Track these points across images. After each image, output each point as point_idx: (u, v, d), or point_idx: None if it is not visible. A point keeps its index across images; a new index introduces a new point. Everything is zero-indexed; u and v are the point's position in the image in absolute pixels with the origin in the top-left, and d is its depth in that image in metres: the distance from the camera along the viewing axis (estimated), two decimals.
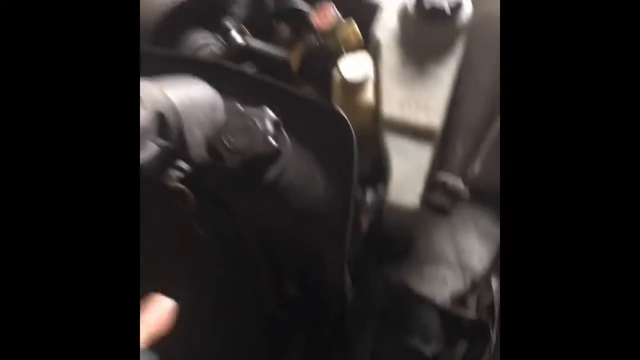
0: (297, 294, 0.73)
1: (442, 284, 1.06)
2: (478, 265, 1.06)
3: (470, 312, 0.87)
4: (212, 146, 0.63)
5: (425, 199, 0.82)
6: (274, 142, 0.63)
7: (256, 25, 0.89)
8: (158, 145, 0.62)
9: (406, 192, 0.68)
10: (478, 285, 0.98)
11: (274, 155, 0.64)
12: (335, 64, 0.77)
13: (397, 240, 1.09)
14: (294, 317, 0.75)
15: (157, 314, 0.52)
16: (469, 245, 1.09)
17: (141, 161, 0.60)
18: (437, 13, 0.73)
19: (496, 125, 0.84)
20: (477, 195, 1.14)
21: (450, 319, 0.88)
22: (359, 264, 0.90)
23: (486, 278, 0.91)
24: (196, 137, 0.68)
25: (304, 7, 0.85)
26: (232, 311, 0.72)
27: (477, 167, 0.83)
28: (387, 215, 0.70)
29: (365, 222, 0.92)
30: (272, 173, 0.66)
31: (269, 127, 0.64)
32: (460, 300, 1.00)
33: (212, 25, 0.90)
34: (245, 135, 0.63)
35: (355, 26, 0.82)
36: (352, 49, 0.83)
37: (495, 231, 1.05)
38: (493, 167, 1.08)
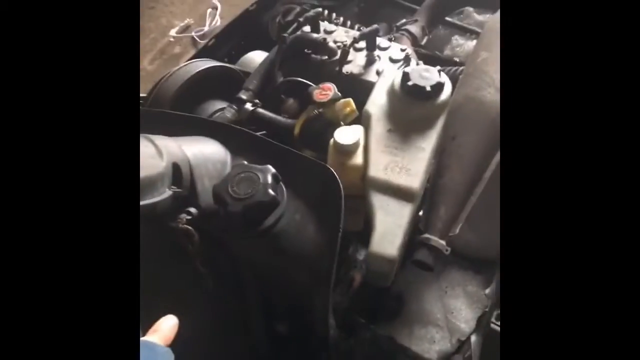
0: (287, 333, 0.79)
1: (430, 344, 1.10)
2: (465, 327, 1.11)
3: None
4: (218, 193, 0.73)
5: (412, 258, 0.89)
6: (272, 193, 0.73)
7: (266, 96, 1.03)
8: (172, 191, 0.72)
9: (386, 243, 0.76)
10: (464, 346, 1.03)
11: (272, 204, 0.74)
12: (331, 132, 0.89)
13: (389, 299, 1.15)
14: (282, 355, 0.80)
15: (164, 327, 0.57)
16: (457, 307, 1.14)
17: (156, 204, 0.70)
18: (419, 91, 0.85)
19: (477, 191, 0.93)
20: (466, 260, 1.21)
21: None
22: (349, 314, 0.96)
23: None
24: (205, 187, 0.78)
25: (310, 83, 0.99)
26: (222, 345, 0.78)
27: (457, 229, 0.91)
28: (369, 263, 0.77)
29: (358, 277, 0.99)
30: (269, 220, 0.76)
31: (269, 179, 0.74)
32: (446, 359, 1.04)
33: (229, 97, 1.04)
34: (248, 186, 0.73)
35: (352, 102, 0.95)
36: (348, 120, 0.95)
37: (482, 294, 1.11)
38: (488, 234, 1.16)
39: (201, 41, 2.18)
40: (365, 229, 0.90)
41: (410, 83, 0.85)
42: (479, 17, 1.46)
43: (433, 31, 1.41)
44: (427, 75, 0.86)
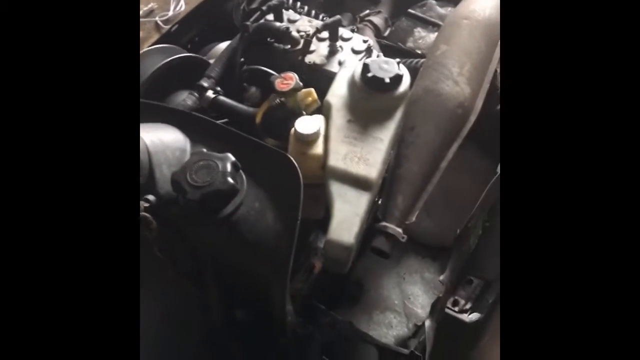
0: (246, 320, 0.81)
1: (387, 329, 1.14)
2: (421, 312, 1.15)
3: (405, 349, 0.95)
4: (177, 181, 0.73)
5: (370, 245, 0.92)
6: (231, 181, 0.73)
7: (229, 85, 1.03)
8: None
9: (343, 231, 0.78)
10: (420, 330, 1.07)
11: (231, 192, 0.74)
12: (293, 122, 0.90)
13: (349, 286, 1.18)
14: (241, 341, 0.82)
15: None
16: (414, 293, 1.18)
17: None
18: (378, 83, 0.87)
19: (434, 180, 0.96)
20: (423, 248, 1.25)
21: (387, 354, 0.95)
22: (309, 301, 0.98)
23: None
24: (164, 174, 0.78)
25: (272, 72, 0.99)
26: (182, 331, 0.79)
27: (413, 217, 0.93)
28: (326, 250, 0.79)
29: (318, 264, 1.01)
30: (228, 208, 0.76)
31: (229, 168, 0.74)
32: (402, 344, 1.08)
33: (191, 86, 1.04)
34: (207, 173, 0.74)
35: (313, 92, 0.96)
36: (310, 110, 0.96)
37: (437, 281, 1.15)
38: (445, 223, 1.19)
39: (165, 26, 2.13)
40: (325, 217, 0.92)
41: (369, 74, 0.87)
42: (441, 10, 1.49)
43: (396, 23, 1.43)
44: (386, 67, 0.88)
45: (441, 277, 0.95)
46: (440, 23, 1.44)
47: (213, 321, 0.79)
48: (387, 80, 0.87)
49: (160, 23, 2.16)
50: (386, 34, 1.30)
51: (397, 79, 0.88)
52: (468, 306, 1.24)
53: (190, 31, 1.41)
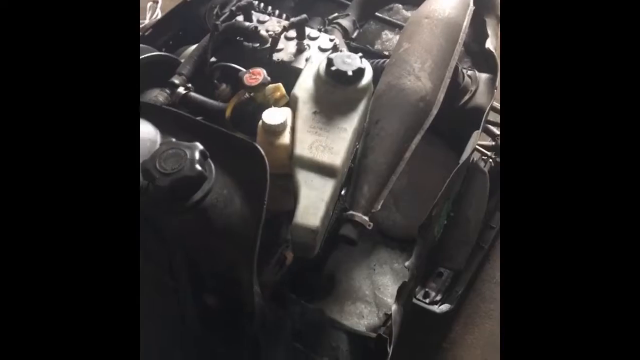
0: (216, 306, 0.83)
1: (359, 318, 1.16)
2: (391, 301, 1.18)
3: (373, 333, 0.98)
4: (146, 169, 0.76)
5: (338, 233, 0.95)
6: (199, 168, 0.76)
7: (199, 81, 1.06)
8: None
9: (309, 215, 0.81)
10: (390, 318, 1.10)
11: (199, 178, 0.77)
12: (261, 115, 0.93)
13: (321, 279, 1.21)
14: (211, 327, 0.84)
15: None
16: (384, 284, 1.21)
17: None
18: (341, 76, 0.91)
19: (398, 170, 1.00)
20: (393, 240, 1.29)
21: (355, 338, 0.98)
22: (280, 289, 1.01)
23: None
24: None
25: (241, 68, 1.03)
26: (152, 318, 0.80)
27: (379, 206, 0.97)
28: (293, 235, 0.82)
29: (289, 256, 1.04)
30: (197, 195, 0.79)
31: (197, 155, 0.77)
32: (374, 332, 1.11)
33: (163, 83, 1.06)
34: (175, 161, 0.76)
35: (281, 86, 1.00)
36: (279, 105, 1.00)
37: (405, 271, 1.18)
38: (413, 215, 1.23)
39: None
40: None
41: (333, 68, 0.91)
42: (407, 13, 1.55)
43: (364, 26, 1.48)
44: (349, 61, 0.92)
45: (407, 263, 0.99)
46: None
47: (186, 310, 0.81)
48: (350, 73, 0.91)
49: None
50: (354, 36, 1.35)
51: (360, 72, 0.92)
52: (438, 298, 1.29)
53: (165, 35, 1.44)
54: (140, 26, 2.20)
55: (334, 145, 0.87)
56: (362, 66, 0.92)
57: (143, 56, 1.09)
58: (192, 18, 1.48)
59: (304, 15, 1.08)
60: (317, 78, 0.94)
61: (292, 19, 1.08)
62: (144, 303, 0.69)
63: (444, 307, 1.26)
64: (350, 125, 0.90)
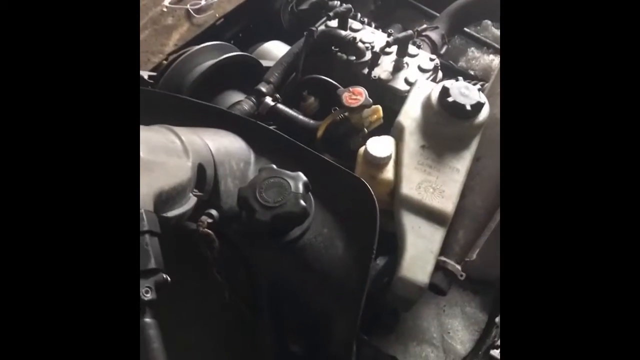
0: (300, 352, 0.74)
1: None
2: (460, 348, 1.09)
3: None
4: (245, 198, 0.67)
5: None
6: (303, 203, 0.67)
7: (288, 93, 0.97)
8: (196, 197, 0.65)
9: (417, 269, 0.72)
10: None
11: (302, 215, 0.68)
12: (354, 139, 0.84)
13: (386, 314, 1.12)
14: None
15: None
16: (454, 328, 1.12)
17: (184, 214, 0.63)
18: (458, 109, 0.81)
19: (497, 217, 0.90)
20: (466, 280, 1.19)
21: None
22: None
23: None
24: (228, 187, 0.71)
25: (336, 84, 0.93)
26: (228, 357, 0.72)
27: (474, 255, 0.88)
28: (396, 288, 0.73)
29: None
30: (295, 232, 0.70)
31: (301, 188, 0.68)
32: None
33: (247, 89, 0.97)
34: (278, 193, 0.67)
35: (380, 110, 0.90)
36: (372, 128, 0.90)
37: (480, 316, 1.09)
38: (490, 256, 1.14)
39: (196, 15, 2.06)
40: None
41: (450, 99, 0.81)
42: (497, 31, 1.43)
43: (451, 40, 1.37)
44: (467, 92, 0.82)
45: (497, 319, 0.90)
46: (495, 45, 1.39)
47: (263, 352, 0.73)
48: (469, 107, 0.81)
49: (192, 11, 2.10)
50: (442, 51, 1.24)
51: (478, 106, 0.82)
52: None
53: (235, 27, 1.34)
54: (197, 7, 2.12)
55: (445, 187, 0.78)
56: (482, 100, 0.82)
57: (224, 56, 1.00)
58: (264, 11, 1.38)
59: (410, 32, 0.98)
60: (428, 107, 0.84)
61: (397, 35, 0.97)
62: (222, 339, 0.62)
63: None
64: (462, 165, 0.81)
